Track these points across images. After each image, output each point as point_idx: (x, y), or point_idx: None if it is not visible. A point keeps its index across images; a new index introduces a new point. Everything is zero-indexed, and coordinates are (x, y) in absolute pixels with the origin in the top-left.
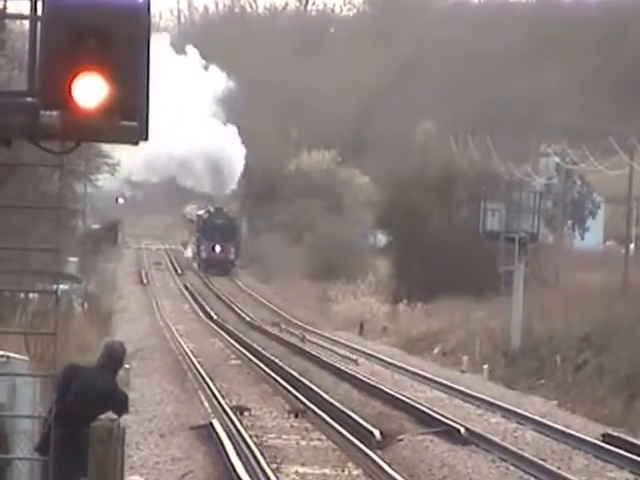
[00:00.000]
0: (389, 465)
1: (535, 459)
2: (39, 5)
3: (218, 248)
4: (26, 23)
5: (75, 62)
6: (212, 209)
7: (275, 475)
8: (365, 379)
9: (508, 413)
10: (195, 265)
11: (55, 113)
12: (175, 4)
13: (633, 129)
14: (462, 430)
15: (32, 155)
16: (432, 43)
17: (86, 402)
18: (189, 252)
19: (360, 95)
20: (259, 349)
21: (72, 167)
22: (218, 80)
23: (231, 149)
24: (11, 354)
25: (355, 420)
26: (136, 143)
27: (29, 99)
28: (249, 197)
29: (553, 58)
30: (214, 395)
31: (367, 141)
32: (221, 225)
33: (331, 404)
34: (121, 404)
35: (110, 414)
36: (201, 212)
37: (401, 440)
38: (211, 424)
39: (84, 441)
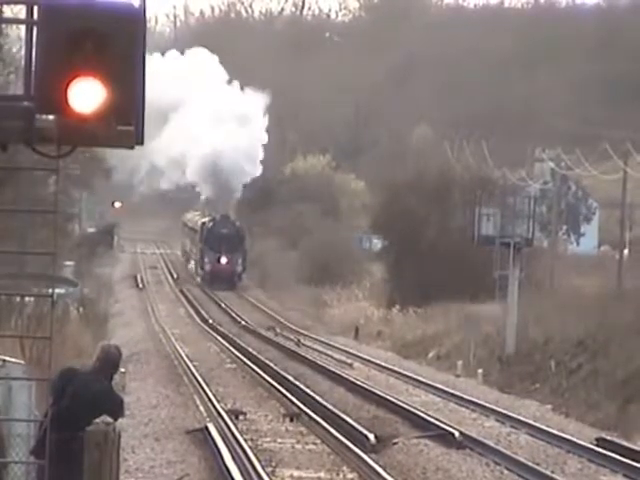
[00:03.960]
0: (384, 469)
1: (529, 463)
2: (35, 9)
3: (224, 260)
4: (22, 27)
5: (71, 66)
6: (218, 217)
7: (270, 479)
8: (360, 383)
9: (502, 417)
10: (198, 278)
11: (51, 117)
12: (171, 9)
13: (627, 134)
14: (456, 434)
15: (28, 159)
16: (427, 48)
17: (81, 406)
18: (192, 264)
19: (355, 100)
20: (254, 353)
21: (68, 171)
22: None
23: (243, 151)
24: (7, 358)
25: (350, 424)
26: (132, 147)
27: (25, 103)
28: (245, 202)
29: (548, 63)
30: (209, 399)
31: (362, 146)
32: (227, 235)
33: (326, 408)
34: (116, 408)
35: (105, 418)
36: (205, 220)
37: (396, 444)
38: (206, 428)
39: (79, 445)
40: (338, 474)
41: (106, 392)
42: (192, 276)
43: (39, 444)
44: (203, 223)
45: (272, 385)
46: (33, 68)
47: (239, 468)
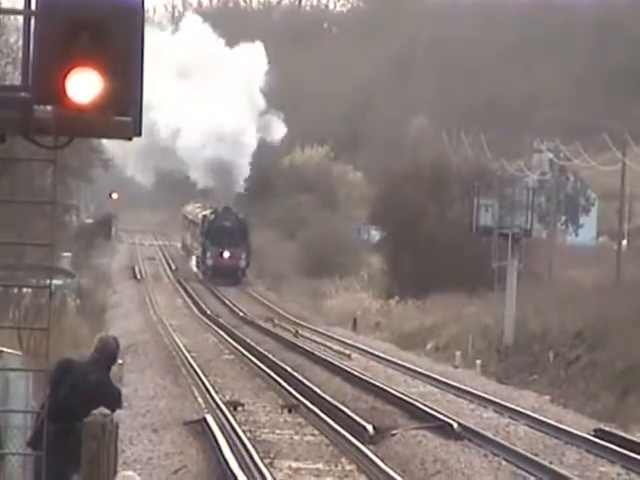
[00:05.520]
0: (382, 460)
1: (527, 454)
2: (33, 0)
3: (227, 254)
4: (20, 18)
5: (69, 57)
6: (220, 209)
7: (268, 470)
8: (358, 374)
9: (501, 408)
10: (199, 274)
11: (49, 108)
12: None
13: (626, 125)
14: (455, 425)
15: (25, 150)
16: (426, 39)
17: (78, 397)
18: (193, 260)
19: (354, 91)
20: (252, 344)
21: (65, 162)
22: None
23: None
24: (4, 349)
25: (348, 415)
26: (129, 138)
27: (23, 94)
28: (243, 193)
29: (547, 54)
30: (207, 390)
31: (360, 137)
32: (230, 228)
33: (324, 399)
34: (114, 399)
35: (103, 409)
36: (207, 212)
37: (394, 435)
38: (204, 419)
39: (77, 436)
40: (336, 465)
41: (103, 383)
42: (191, 270)
43: (36, 435)
44: (204, 216)
45: (270, 376)
46: (31, 59)
47: (237, 459)
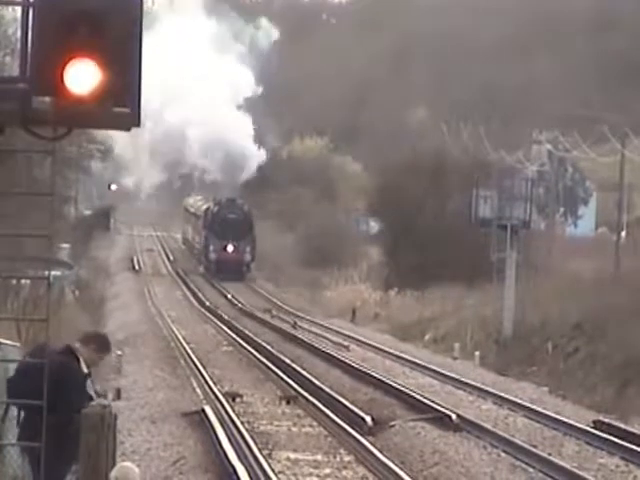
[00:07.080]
0: (380, 451)
1: (526, 445)
2: None
3: (230, 248)
4: (18, 9)
5: (67, 48)
6: (223, 200)
7: (267, 461)
8: (357, 365)
9: (499, 400)
10: (201, 268)
11: (47, 99)
12: None
13: (625, 116)
14: (454, 416)
15: (24, 141)
16: (425, 30)
17: (37, 379)
18: (194, 254)
19: (353, 82)
20: (251, 335)
21: (64, 153)
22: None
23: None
24: (3, 340)
25: (347, 406)
26: (128, 129)
27: (21, 85)
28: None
29: (546, 45)
30: (206, 381)
31: (360, 128)
32: (234, 220)
33: (323, 390)
34: (72, 389)
35: (101, 400)
36: (210, 204)
37: (393, 426)
38: (203, 410)
39: (75, 427)
40: (335, 457)
41: (56, 370)
42: (191, 262)
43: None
44: (207, 208)
45: (269, 368)
46: (29, 50)
47: (236, 451)
